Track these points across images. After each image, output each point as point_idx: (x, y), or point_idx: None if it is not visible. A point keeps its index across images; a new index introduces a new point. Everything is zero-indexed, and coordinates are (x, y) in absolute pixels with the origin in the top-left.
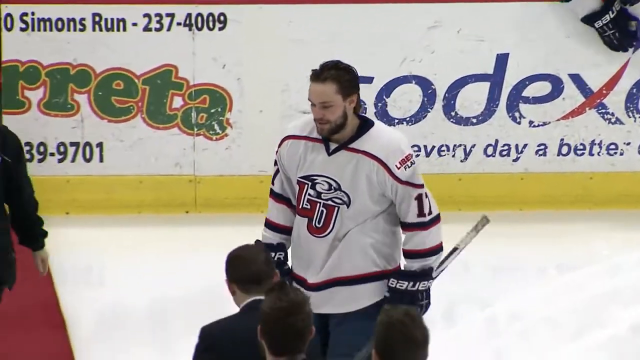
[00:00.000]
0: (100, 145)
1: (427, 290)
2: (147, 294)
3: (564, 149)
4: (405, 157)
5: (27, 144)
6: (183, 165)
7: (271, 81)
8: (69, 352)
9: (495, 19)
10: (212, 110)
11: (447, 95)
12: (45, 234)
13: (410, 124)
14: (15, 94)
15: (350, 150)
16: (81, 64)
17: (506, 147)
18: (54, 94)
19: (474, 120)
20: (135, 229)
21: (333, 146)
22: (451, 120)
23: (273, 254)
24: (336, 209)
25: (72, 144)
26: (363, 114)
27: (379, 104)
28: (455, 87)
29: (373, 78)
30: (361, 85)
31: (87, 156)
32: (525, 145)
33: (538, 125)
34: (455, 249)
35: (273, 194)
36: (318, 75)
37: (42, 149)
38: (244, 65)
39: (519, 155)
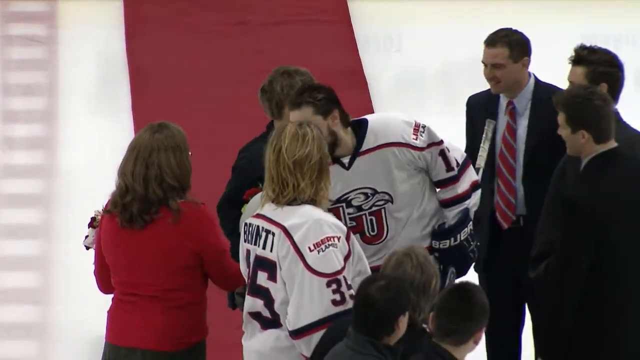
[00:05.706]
0: None
1: (471, 234)
2: (438, 57)
3: None
4: (415, 126)
5: None
6: None
7: None
8: (370, 107)
9: None
10: None
11: None
12: None
13: None
14: None
15: (363, 154)
16: None
17: None
18: None
19: None
20: (426, 2)
21: (346, 160)
22: None
23: None
24: (383, 210)
25: None
26: (353, 119)
27: None
28: None
29: None
30: None
31: None
32: None
33: None
34: (477, 169)
35: None
36: None
37: None
38: None
39: None
